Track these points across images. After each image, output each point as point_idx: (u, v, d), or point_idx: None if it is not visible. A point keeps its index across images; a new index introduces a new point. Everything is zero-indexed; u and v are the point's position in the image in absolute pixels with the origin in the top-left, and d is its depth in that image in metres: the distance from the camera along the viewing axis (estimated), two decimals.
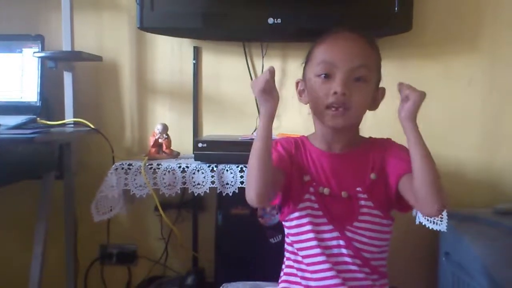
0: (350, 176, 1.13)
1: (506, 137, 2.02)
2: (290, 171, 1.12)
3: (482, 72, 2.00)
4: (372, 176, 1.12)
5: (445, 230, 1.61)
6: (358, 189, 1.11)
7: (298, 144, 1.18)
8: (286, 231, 1.16)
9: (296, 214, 1.12)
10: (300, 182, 1.13)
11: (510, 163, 2.02)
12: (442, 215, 1.59)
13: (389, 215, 1.13)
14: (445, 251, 1.81)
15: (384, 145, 1.16)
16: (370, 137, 1.20)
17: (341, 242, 1.09)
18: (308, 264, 1.12)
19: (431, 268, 1.93)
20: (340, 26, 1.14)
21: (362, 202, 1.10)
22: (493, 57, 2.00)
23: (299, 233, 1.12)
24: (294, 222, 1.12)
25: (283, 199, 1.16)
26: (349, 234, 1.09)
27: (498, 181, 2.03)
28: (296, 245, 1.13)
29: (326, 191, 1.11)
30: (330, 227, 1.10)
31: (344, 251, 1.09)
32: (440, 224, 1.61)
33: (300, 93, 1.19)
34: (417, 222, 1.64)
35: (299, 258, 1.14)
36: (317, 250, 1.10)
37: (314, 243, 1.10)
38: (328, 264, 1.09)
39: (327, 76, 1.09)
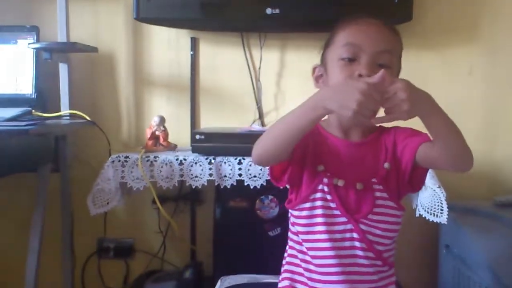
0: (365, 167, 1.09)
1: (506, 128, 2.01)
2: (299, 154, 1.08)
3: (482, 62, 1.99)
4: (386, 165, 1.08)
5: (445, 223, 1.60)
6: (373, 180, 1.08)
7: (314, 130, 1.11)
8: (293, 220, 1.13)
9: (308, 204, 1.08)
10: (313, 172, 1.08)
11: (510, 155, 2.02)
12: (442, 207, 1.58)
13: (401, 204, 1.10)
14: (445, 243, 1.81)
15: (392, 132, 1.13)
16: (380, 126, 1.16)
17: (355, 235, 1.06)
18: (313, 257, 1.09)
19: (432, 260, 1.92)
20: (362, 12, 1.12)
21: (377, 194, 1.07)
22: (493, 47, 1.99)
23: (309, 224, 1.09)
24: (305, 213, 1.09)
25: (292, 187, 1.12)
26: (363, 226, 1.06)
27: (498, 173, 2.02)
28: (303, 236, 1.10)
29: (340, 182, 1.07)
30: (343, 219, 1.06)
31: (357, 244, 1.07)
32: (440, 217, 1.59)
33: (317, 79, 1.16)
34: (417, 215, 1.63)
35: (304, 249, 1.11)
36: (327, 244, 1.06)
37: (324, 236, 1.07)
38: (337, 259, 1.06)
39: (351, 60, 1.06)
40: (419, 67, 1.98)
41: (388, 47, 1.07)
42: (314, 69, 1.17)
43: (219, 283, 1.41)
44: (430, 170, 1.58)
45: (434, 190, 1.58)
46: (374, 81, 0.91)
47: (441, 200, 1.59)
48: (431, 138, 0.99)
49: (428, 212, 1.60)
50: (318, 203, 1.08)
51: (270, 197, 1.71)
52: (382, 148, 1.10)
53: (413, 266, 2.02)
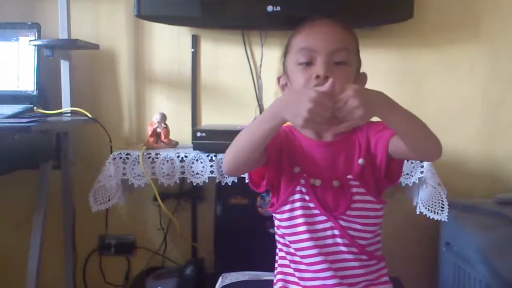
0: (340, 164, 1.11)
1: (507, 126, 2.01)
2: (273, 159, 1.10)
3: (483, 61, 1.99)
4: (360, 161, 1.10)
5: (446, 220, 1.61)
6: (349, 176, 1.09)
7: (287, 134, 1.15)
8: (277, 223, 1.15)
9: (288, 206, 1.11)
10: (290, 174, 1.11)
11: (510, 152, 2.02)
12: (443, 205, 1.59)
13: (381, 198, 1.11)
14: (445, 241, 1.81)
15: (364, 128, 1.14)
16: None
17: (336, 232, 1.08)
18: (302, 257, 1.11)
19: (432, 258, 1.92)
20: (316, 14, 1.14)
21: (354, 190, 1.09)
22: (494, 45, 1.98)
23: (291, 226, 1.11)
24: (286, 215, 1.11)
25: (272, 191, 1.14)
26: (343, 223, 1.08)
27: (499, 171, 2.02)
28: (288, 238, 1.12)
29: (317, 182, 1.09)
30: (323, 218, 1.09)
31: (339, 240, 1.08)
32: (440, 214, 1.60)
33: (282, 88, 1.18)
34: (417, 212, 1.63)
35: (292, 251, 1.13)
36: (310, 243, 1.09)
37: (306, 235, 1.09)
38: (322, 257, 1.08)
39: (308, 64, 1.08)
40: (420, 65, 1.99)
41: (342, 45, 1.08)
42: (278, 79, 1.19)
43: (220, 280, 1.41)
44: (430, 168, 1.60)
45: (435, 188, 1.58)
46: (324, 89, 0.93)
47: (442, 198, 1.59)
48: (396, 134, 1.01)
49: (428, 210, 1.60)
50: (298, 204, 1.10)
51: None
52: (356, 145, 1.12)
53: (413, 263, 2.02)
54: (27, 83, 1.82)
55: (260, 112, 2.01)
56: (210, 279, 1.63)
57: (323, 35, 1.09)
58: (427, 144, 0.99)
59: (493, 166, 2.02)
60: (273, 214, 1.16)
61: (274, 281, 1.19)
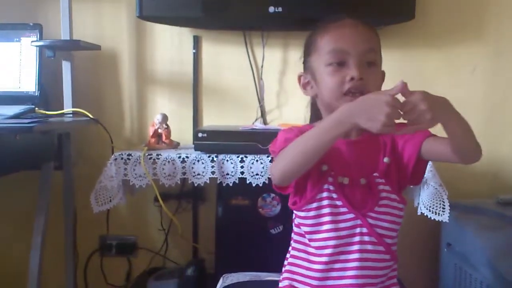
0: (366, 162, 1.12)
1: (509, 127, 2.00)
2: None
3: (485, 61, 1.98)
4: (386, 160, 1.11)
5: (447, 221, 1.60)
6: (375, 174, 1.10)
7: None
8: (298, 221, 1.14)
9: (315, 204, 1.10)
10: (318, 173, 1.10)
11: None
12: (444, 205, 1.58)
13: (403, 198, 1.12)
14: (447, 242, 1.81)
15: None
16: None
17: (364, 230, 1.08)
18: (320, 255, 1.10)
19: (433, 259, 1.92)
20: (338, 14, 1.14)
21: (381, 187, 1.10)
22: (497, 46, 1.98)
23: (315, 224, 1.10)
24: (312, 213, 1.10)
25: (297, 189, 1.13)
26: (370, 220, 1.08)
27: (501, 171, 2.02)
28: (309, 236, 1.11)
29: (345, 180, 1.10)
30: (351, 215, 1.08)
31: (366, 238, 1.08)
32: (442, 215, 1.59)
33: (304, 86, 1.19)
34: (419, 213, 1.63)
35: (309, 250, 1.12)
36: (332, 242, 1.08)
37: (330, 234, 1.08)
38: (343, 255, 1.08)
39: (340, 64, 1.08)
40: (422, 66, 1.99)
41: (370, 45, 1.10)
42: (299, 77, 1.20)
43: (221, 280, 1.41)
44: (431, 168, 1.59)
45: (436, 189, 1.58)
46: (395, 92, 0.93)
47: (443, 199, 1.59)
48: (448, 139, 1.01)
49: (429, 211, 1.60)
50: (325, 202, 1.09)
51: (272, 195, 1.71)
52: (381, 144, 1.13)
53: (414, 264, 2.02)
54: (29, 84, 1.82)
55: (262, 113, 2.01)
56: (211, 279, 1.63)
57: (353, 36, 1.09)
58: (473, 148, 1.01)
59: (495, 167, 2.01)
60: (296, 212, 1.15)
61: (280, 278, 1.19)
